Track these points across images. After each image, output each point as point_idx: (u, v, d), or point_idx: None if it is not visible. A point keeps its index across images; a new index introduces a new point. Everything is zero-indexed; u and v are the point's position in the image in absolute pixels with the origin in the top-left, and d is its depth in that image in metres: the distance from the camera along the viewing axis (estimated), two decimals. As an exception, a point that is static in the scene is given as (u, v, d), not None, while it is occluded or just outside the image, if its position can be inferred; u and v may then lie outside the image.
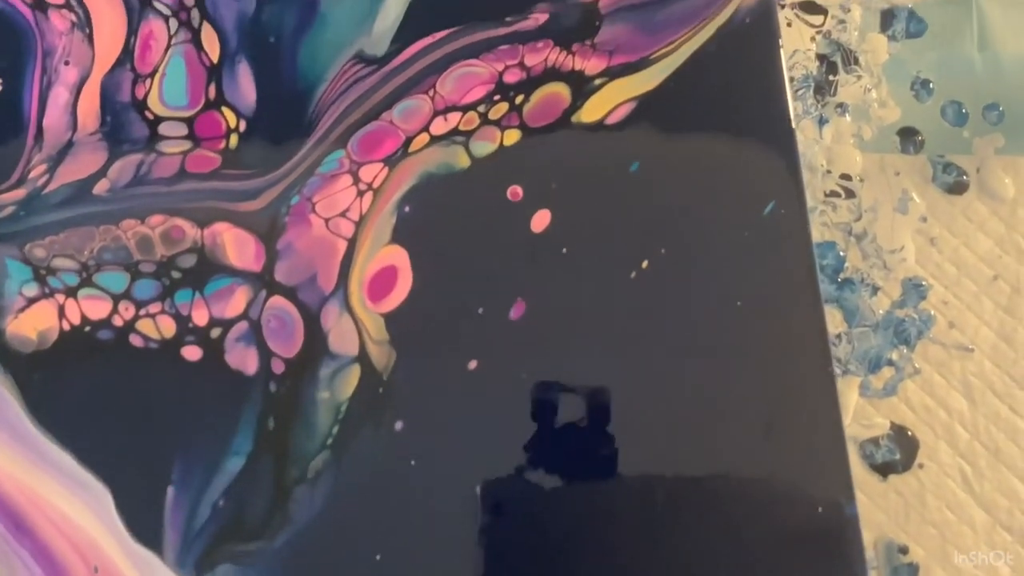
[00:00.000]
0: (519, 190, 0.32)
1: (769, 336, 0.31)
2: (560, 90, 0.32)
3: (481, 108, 0.32)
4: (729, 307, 0.31)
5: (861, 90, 0.44)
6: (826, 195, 0.43)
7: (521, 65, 0.32)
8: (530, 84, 0.32)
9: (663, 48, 0.33)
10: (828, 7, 0.44)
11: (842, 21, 0.44)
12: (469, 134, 0.32)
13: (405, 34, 0.32)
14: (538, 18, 0.32)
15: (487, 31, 0.32)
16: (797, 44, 0.42)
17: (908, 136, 0.43)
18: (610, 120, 0.32)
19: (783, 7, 0.44)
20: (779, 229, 0.31)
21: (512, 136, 0.32)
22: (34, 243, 0.32)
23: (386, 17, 0.32)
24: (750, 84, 0.32)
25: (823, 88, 0.44)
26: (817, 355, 0.30)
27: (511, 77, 0.32)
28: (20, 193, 0.31)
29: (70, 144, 0.32)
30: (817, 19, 0.44)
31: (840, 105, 0.43)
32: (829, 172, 0.43)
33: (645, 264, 0.31)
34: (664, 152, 0.32)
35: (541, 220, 0.31)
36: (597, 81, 0.32)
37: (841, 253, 0.41)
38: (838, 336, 0.40)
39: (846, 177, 0.42)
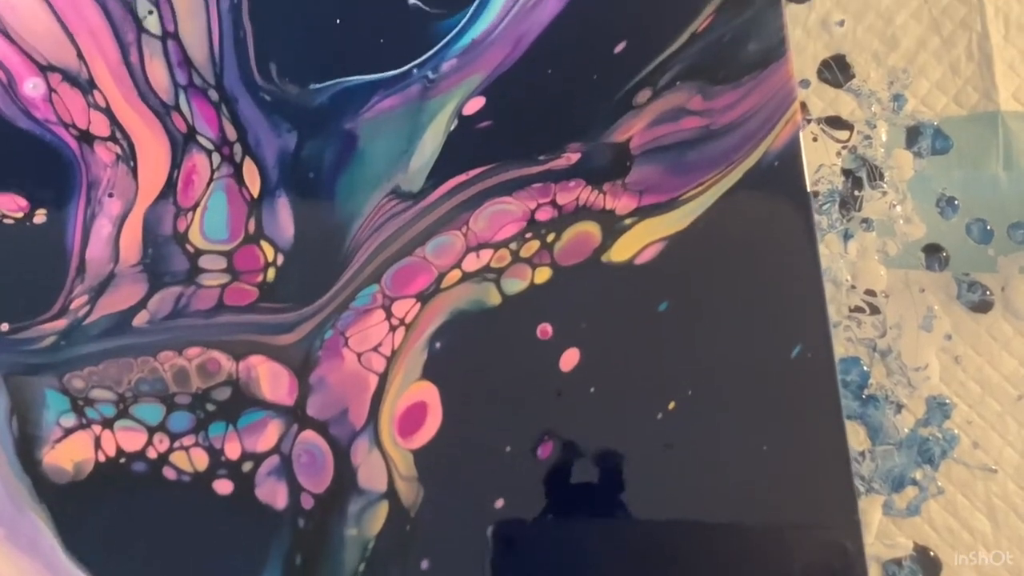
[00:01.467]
0: (549, 328, 0.30)
1: (794, 481, 0.29)
2: (591, 229, 0.31)
3: (513, 245, 0.31)
4: (755, 451, 0.30)
5: (886, 206, 0.42)
6: (850, 310, 0.41)
7: (553, 203, 0.31)
8: (561, 222, 0.31)
9: (693, 189, 0.31)
10: (854, 123, 0.42)
11: (868, 137, 0.42)
12: (501, 271, 0.30)
13: (440, 171, 0.31)
14: (570, 157, 0.31)
15: (520, 169, 0.31)
16: (823, 159, 0.41)
17: (933, 253, 0.41)
18: (639, 260, 0.31)
19: (809, 122, 0.42)
20: (806, 372, 0.30)
21: (543, 274, 0.30)
22: (73, 374, 0.33)
23: (422, 154, 0.31)
24: (778, 227, 0.31)
25: (848, 203, 0.42)
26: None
27: (543, 215, 0.31)
28: (61, 324, 0.30)
29: (111, 276, 0.31)
30: (843, 134, 0.43)
31: (865, 220, 0.41)
32: (854, 287, 0.41)
33: (672, 405, 0.30)
34: (693, 293, 0.31)
35: (570, 359, 0.30)
36: (627, 220, 0.31)
37: (865, 369, 0.39)
38: (861, 453, 0.38)
39: (871, 293, 0.40)
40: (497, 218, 0.32)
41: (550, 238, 0.32)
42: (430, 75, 0.33)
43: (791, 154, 0.32)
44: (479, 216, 0.32)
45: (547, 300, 0.32)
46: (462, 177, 0.33)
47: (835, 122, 0.44)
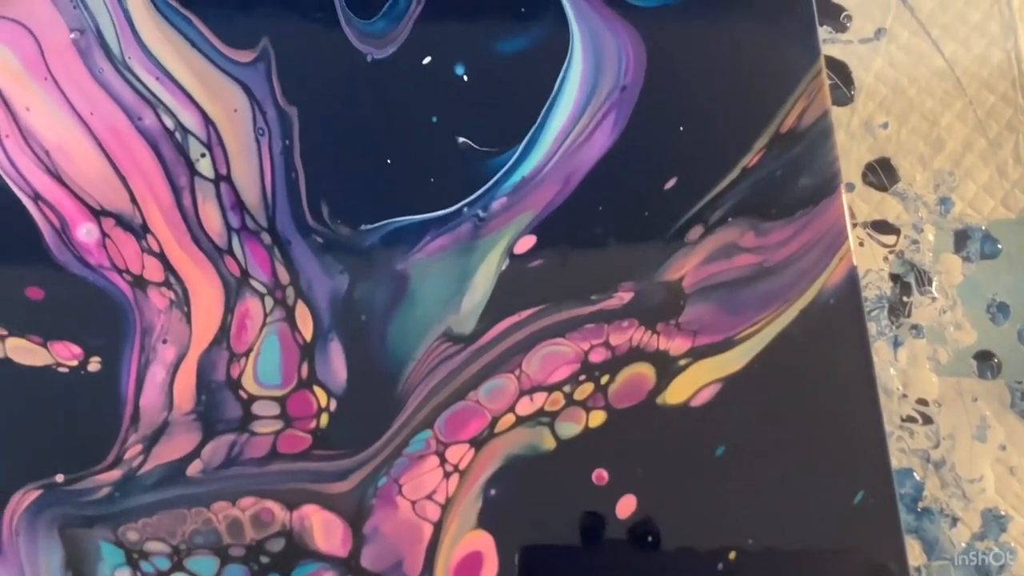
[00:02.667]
0: (604, 474, 0.28)
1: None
2: (645, 371, 0.29)
3: (566, 388, 0.29)
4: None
5: (936, 312, 0.40)
6: (903, 420, 0.39)
7: (606, 344, 0.29)
8: (615, 364, 0.29)
9: (747, 329, 0.29)
10: (901, 227, 0.40)
11: (915, 241, 0.40)
12: (555, 415, 0.29)
13: (492, 312, 0.30)
14: (623, 297, 0.29)
15: (572, 310, 0.30)
16: (870, 264, 0.39)
17: (985, 360, 0.39)
18: (695, 402, 0.29)
19: (855, 226, 0.40)
20: (869, 520, 0.27)
21: (597, 417, 0.29)
22: (128, 526, 0.32)
23: (474, 295, 0.29)
24: (836, 366, 0.29)
25: (897, 309, 0.40)
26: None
27: (596, 357, 0.29)
28: (115, 474, 0.29)
29: (165, 424, 0.29)
30: (890, 239, 0.41)
31: (915, 327, 0.39)
32: (905, 396, 0.39)
33: (732, 555, 0.28)
34: (750, 436, 0.29)
35: (627, 506, 0.29)
36: (682, 361, 0.29)
37: (919, 480, 0.37)
38: (917, 569, 0.36)
39: (922, 402, 0.38)
40: (550, 360, 0.31)
41: (604, 380, 0.30)
42: (481, 214, 0.31)
43: (848, 291, 0.31)
44: (532, 358, 0.31)
45: (602, 444, 0.30)
46: (514, 318, 0.31)
47: (881, 226, 0.42)
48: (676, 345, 0.32)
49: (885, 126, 0.44)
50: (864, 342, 0.32)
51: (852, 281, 0.32)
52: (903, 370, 0.42)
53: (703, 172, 0.33)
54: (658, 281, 0.32)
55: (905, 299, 0.43)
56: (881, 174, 0.44)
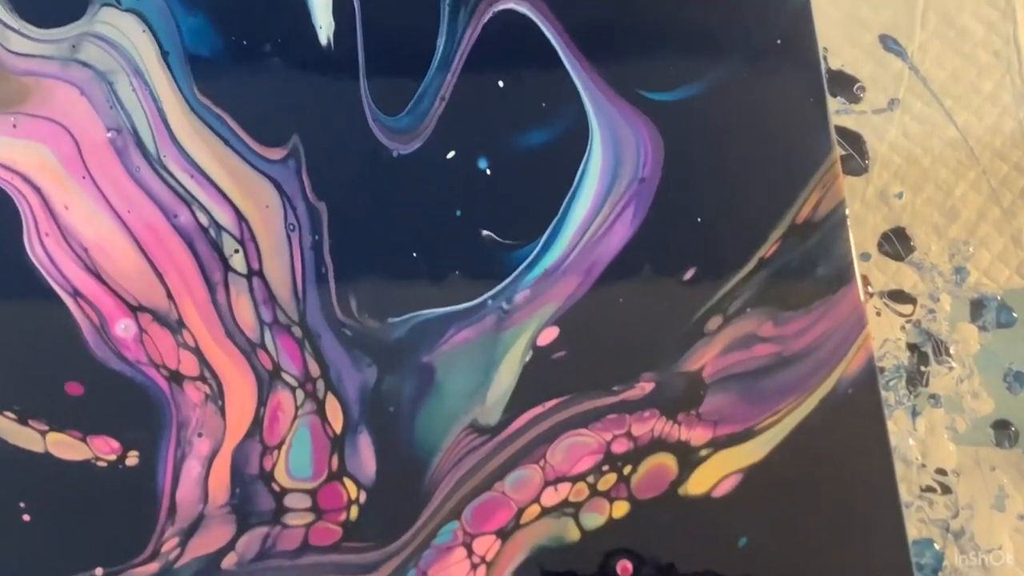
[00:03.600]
0: (629, 565, 0.29)
1: None
2: (667, 461, 0.29)
3: (590, 479, 0.29)
4: None
5: (953, 381, 0.39)
6: (922, 490, 0.38)
7: (628, 435, 0.29)
8: (637, 454, 0.29)
9: (768, 419, 0.29)
10: (917, 296, 0.40)
11: (931, 311, 0.40)
12: (579, 505, 0.29)
13: (517, 403, 0.30)
14: (644, 387, 0.29)
15: (595, 400, 0.30)
16: (887, 333, 0.39)
17: (1002, 429, 0.39)
18: (717, 492, 0.29)
19: (871, 296, 0.40)
20: None
21: (621, 508, 0.29)
22: None
23: (499, 386, 0.30)
24: (855, 455, 0.29)
25: (915, 379, 0.40)
26: None
27: (619, 447, 0.29)
28: (153, 567, 0.30)
29: (201, 517, 0.29)
30: (906, 308, 0.40)
31: (933, 396, 0.39)
32: (924, 466, 0.38)
33: None
34: (772, 527, 0.29)
35: None
36: (703, 452, 0.29)
37: (939, 550, 0.37)
38: None
39: (941, 471, 0.38)
40: (574, 451, 0.31)
41: (627, 471, 0.31)
42: (504, 306, 0.32)
43: (866, 381, 0.30)
44: (556, 449, 0.31)
45: (626, 535, 0.30)
46: (538, 409, 0.31)
47: (898, 296, 0.42)
48: (697, 435, 0.32)
49: (900, 196, 0.44)
50: (882, 430, 0.32)
51: (870, 370, 0.32)
52: (922, 440, 0.42)
53: (721, 263, 0.33)
54: (678, 371, 0.32)
55: (923, 368, 0.42)
56: (896, 243, 0.44)
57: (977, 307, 0.43)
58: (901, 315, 0.44)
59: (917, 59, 0.46)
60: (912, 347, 0.43)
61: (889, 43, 0.46)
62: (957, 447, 0.41)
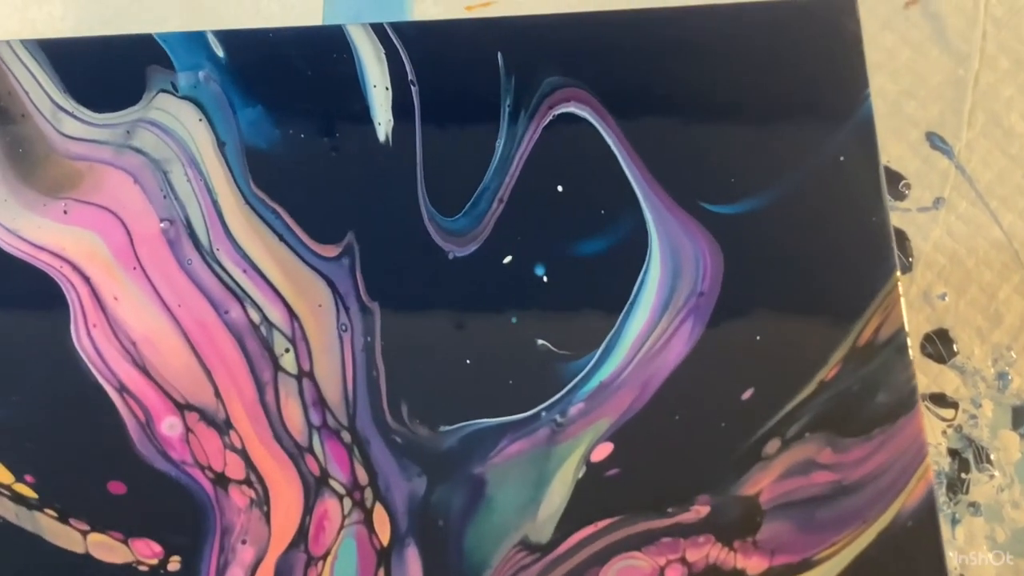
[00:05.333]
0: None
1: None
2: None
3: None
4: None
5: (994, 489, 0.37)
6: (962, 603, 0.37)
7: (683, 560, 0.27)
8: None
9: (825, 550, 0.27)
10: (959, 401, 0.38)
11: (973, 416, 0.38)
12: None
13: (569, 521, 0.28)
14: (699, 510, 0.27)
15: (649, 521, 0.28)
16: (928, 438, 0.37)
17: (1043, 541, 0.37)
18: None
19: (915, 401, 0.38)
20: None
21: None
22: None
23: (551, 503, 0.28)
24: None
25: (955, 486, 0.38)
26: None
27: (673, 573, 0.27)
28: None
29: None
30: (948, 412, 0.39)
31: (973, 504, 0.37)
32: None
33: None
34: None
35: None
36: None
37: None
38: None
39: (983, 588, 0.36)
40: (626, 574, 0.29)
41: (680, 599, 0.29)
42: (558, 419, 0.30)
43: (926, 514, 0.29)
44: (608, 572, 0.29)
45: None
46: (590, 529, 0.29)
47: (940, 399, 0.41)
48: (753, 564, 0.30)
49: (943, 297, 0.42)
50: (941, 565, 0.30)
51: (930, 502, 0.30)
52: (960, 548, 0.40)
53: (780, 384, 0.31)
54: (735, 496, 0.31)
55: (963, 476, 0.41)
56: (939, 345, 0.42)
57: (1019, 414, 0.42)
58: (943, 419, 0.42)
59: (964, 158, 0.45)
60: (953, 453, 0.41)
61: (936, 140, 0.45)
62: (997, 558, 0.39)
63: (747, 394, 0.33)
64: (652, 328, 0.34)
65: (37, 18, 0.54)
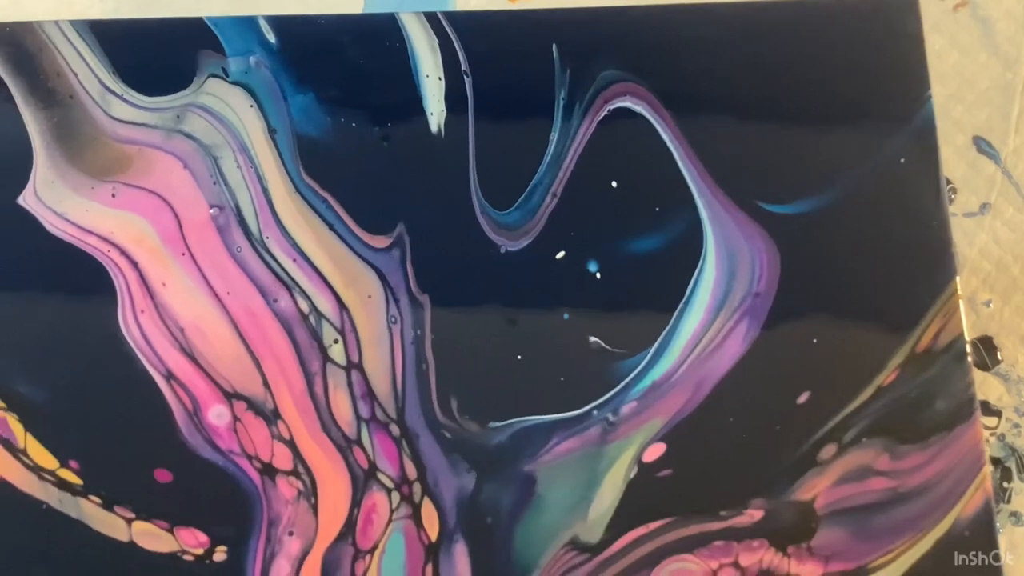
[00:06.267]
0: None
1: None
2: None
3: None
4: None
5: None
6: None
7: (735, 565, 0.26)
8: None
9: (881, 558, 0.26)
10: (1002, 409, 0.37)
11: (1016, 425, 0.37)
12: None
13: (619, 522, 0.27)
14: (753, 514, 0.26)
15: (702, 524, 0.27)
16: None
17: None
18: None
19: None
20: None
21: None
22: None
23: (601, 503, 0.27)
24: None
25: (998, 495, 0.37)
26: None
27: None
28: None
29: None
30: (991, 420, 0.38)
31: (1014, 514, 0.36)
32: (1007, 589, 0.36)
33: None
34: None
35: None
36: None
37: None
38: None
39: (1023, 595, 0.35)
40: None
41: (733, 604, 0.28)
42: (610, 417, 0.29)
43: (983, 524, 0.28)
44: (660, 574, 0.28)
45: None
46: (642, 530, 0.28)
47: (983, 407, 0.39)
48: (808, 571, 0.29)
49: (988, 304, 0.41)
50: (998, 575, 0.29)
51: (987, 511, 0.29)
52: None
53: (837, 388, 0.30)
54: (789, 500, 0.29)
55: (1005, 485, 0.40)
56: (983, 353, 0.41)
57: (1065, 425, 0.40)
58: (986, 427, 0.41)
59: (1011, 163, 0.44)
60: (995, 461, 0.40)
61: (983, 145, 0.44)
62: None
63: (803, 397, 0.32)
64: (706, 328, 0.33)
65: (76, -1, 0.53)
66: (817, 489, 0.32)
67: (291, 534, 0.32)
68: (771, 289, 0.34)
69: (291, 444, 0.33)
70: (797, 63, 0.35)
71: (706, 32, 0.36)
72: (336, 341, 0.34)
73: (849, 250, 0.34)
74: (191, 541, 0.32)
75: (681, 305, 0.34)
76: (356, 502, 0.32)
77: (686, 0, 0.36)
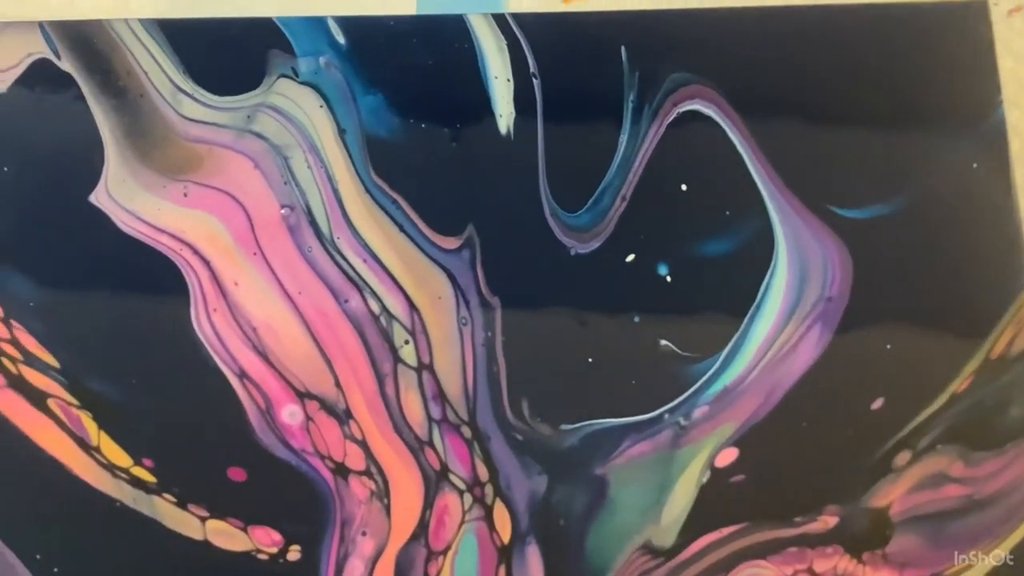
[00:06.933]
0: None
1: None
2: None
3: None
4: None
5: None
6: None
7: (810, 571, 0.26)
8: None
9: (956, 568, 0.25)
10: None
11: None
12: None
13: (693, 527, 0.27)
14: (827, 521, 0.26)
15: (775, 530, 0.26)
16: None
17: None
18: None
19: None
20: None
21: None
22: None
23: (674, 507, 0.26)
24: None
25: None
26: None
27: None
28: None
29: None
30: None
31: None
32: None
33: None
34: None
35: None
36: None
37: None
38: None
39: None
40: None
41: (806, 608, 0.27)
42: (682, 421, 0.28)
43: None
44: (733, 579, 0.28)
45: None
46: (715, 535, 0.28)
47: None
48: (882, 577, 0.29)
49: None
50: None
51: (1064, 521, 0.29)
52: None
53: (911, 394, 0.30)
54: (864, 507, 0.29)
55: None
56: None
57: None
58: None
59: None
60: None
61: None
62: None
63: (877, 403, 0.32)
64: (778, 332, 0.32)
65: (130, -3, 0.52)
66: (892, 496, 0.31)
67: (364, 534, 0.32)
68: (844, 294, 0.33)
69: (363, 444, 0.32)
70: (868, 67, 0.35)
71: (776, 34, 0.35)
72: (407, 342, 0.33)
73: (921, 255, 0.33)
74: (265, 540, 0.32)
75: (752, 309, 0.33)
76: (428, 503, 0.32)
77: (748, 4, 0.36)
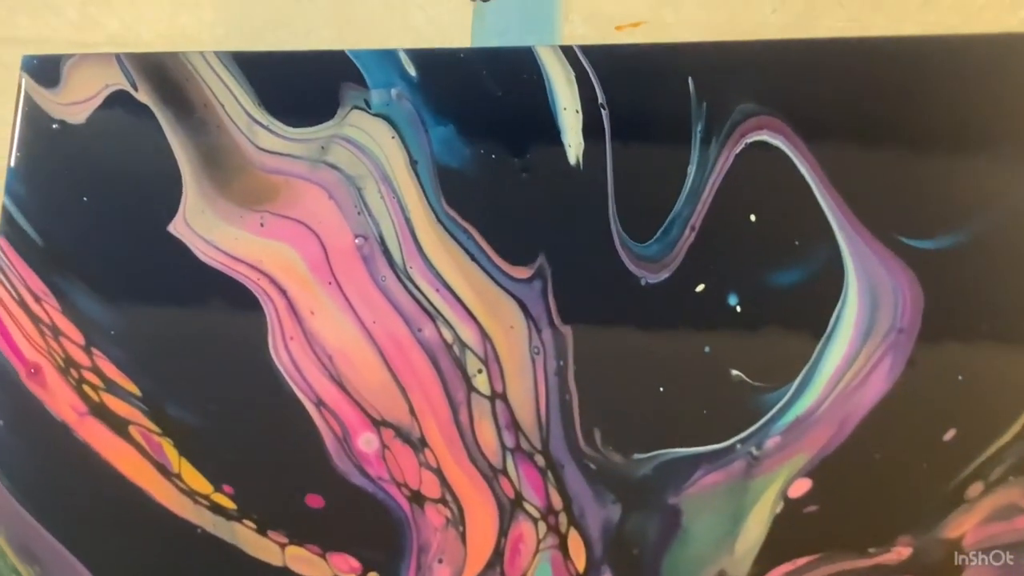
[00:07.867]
0: None
1: None
2: None
3: None
4: None
5: None
6: None
7: None
8: None
9: None
10: None
11: None
12: None
13: (767, 557, 0.26)
14: (901, 552, 0.25)
15: (849, 561, 0.26)
16: None
17: None
18: None
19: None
20: None
21: None
22: None
23: (747, 538, 0.26)
24: None
25: None
26: None
27: None
28: None
29: None
30: None
31: None
32: None
33: None
34: None
35: None
36: None
37: None
38: None
39: None
40: None
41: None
42: (754, 451, 0.28)
43: None
44: (807, 609, 0.27)
45: None
46: (789, 566, 0.27)
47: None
48: (955, 612, 0.28)
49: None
50: None
51: None
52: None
53: (983, 425, 0.29)
54: (938, 538, 0.28)
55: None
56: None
57: None
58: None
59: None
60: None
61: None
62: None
63: (949, 435, 0.31)
64: (850, 363, 0.32)
65: (187, 24, 0.53)
66: (964, 527, 0.31)
67: (440, 561, 0.32)
68: (915, 324, 0.33)
69: (438, 472, 0.32)
70: (936, 97, 0.34)
71: (843, 66, 0.35)
72: (480, 371, 0.33)
73: (992, 285, 0.33)
74: (343, 566, 0.32)
75: (823, 339, 0.33)
76: (503, 531, 0.32)
77: (821, 35, 0.35)
